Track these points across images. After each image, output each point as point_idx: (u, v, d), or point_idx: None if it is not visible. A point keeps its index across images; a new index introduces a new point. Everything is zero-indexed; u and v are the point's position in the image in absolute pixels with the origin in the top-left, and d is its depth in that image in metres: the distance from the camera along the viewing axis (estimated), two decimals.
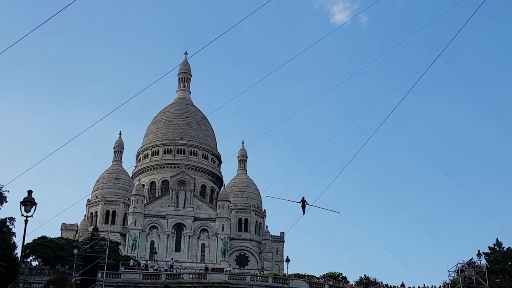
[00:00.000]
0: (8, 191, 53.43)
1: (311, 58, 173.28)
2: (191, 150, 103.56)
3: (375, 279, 78.43)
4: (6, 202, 53.44)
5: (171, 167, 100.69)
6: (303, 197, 33.75)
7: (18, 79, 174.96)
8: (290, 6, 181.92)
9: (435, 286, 68.85)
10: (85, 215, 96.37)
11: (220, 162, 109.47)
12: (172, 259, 79.62)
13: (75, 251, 48.78)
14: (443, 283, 65.86)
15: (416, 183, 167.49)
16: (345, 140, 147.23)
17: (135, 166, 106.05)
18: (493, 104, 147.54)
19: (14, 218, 53.32)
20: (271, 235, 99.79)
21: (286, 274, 72.11)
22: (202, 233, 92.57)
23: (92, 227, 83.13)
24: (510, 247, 61.29)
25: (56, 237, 71.76)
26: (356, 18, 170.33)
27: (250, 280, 63.29)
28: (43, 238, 66.13)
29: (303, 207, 33.57)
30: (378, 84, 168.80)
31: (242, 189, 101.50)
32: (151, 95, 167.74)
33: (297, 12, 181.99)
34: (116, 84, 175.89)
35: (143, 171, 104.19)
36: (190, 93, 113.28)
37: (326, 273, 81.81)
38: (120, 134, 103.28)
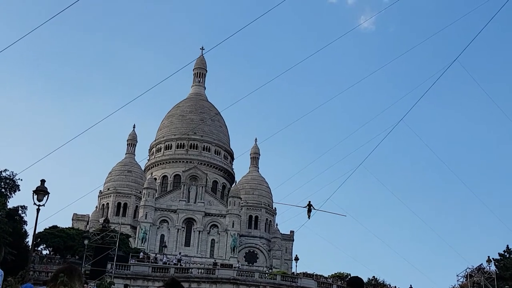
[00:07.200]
0: (21, 180, 54.20)
1: (329, 61, 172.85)
2: (204, 145, 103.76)
3: (383, 281, 78.28)
4: (19, 190, 54.17)
5: (183, 161, 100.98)
6: (309, 201, 33.86)
7: (34, 70, 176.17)
8: (316, 9, 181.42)
9: None
10: (96, 206, 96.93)
11: (232, 158, 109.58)
12: (180, 253, 79.83)
13: (86, 241, 49.17)
14: None
15: (427, 187, 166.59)
16: (356, 142, 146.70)
17: (148, 160, 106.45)
18: (508, 110, 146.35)
19: (26, 206, 54.04)
20: (281, 233, 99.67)
21: (295, 273, 72.20)
22: (212, 229, 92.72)
23: (103, 218, 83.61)
24: None
25: (67, 227, 72.37)
26: (383, 27, 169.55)
27: (259, 277, 63.45)
28: (54, 227, 66.77)
29: (309, 211, 33.63)
30: (392, 88, 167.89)
31: (254, 186, 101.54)
32: (166, 90, 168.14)
33: (322, 15, 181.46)
34: (132, 78, 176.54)
35: (155, 165, 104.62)
36: (205, 88, 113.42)
37: (335, 273, 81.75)
38: (134, 127, 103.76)
